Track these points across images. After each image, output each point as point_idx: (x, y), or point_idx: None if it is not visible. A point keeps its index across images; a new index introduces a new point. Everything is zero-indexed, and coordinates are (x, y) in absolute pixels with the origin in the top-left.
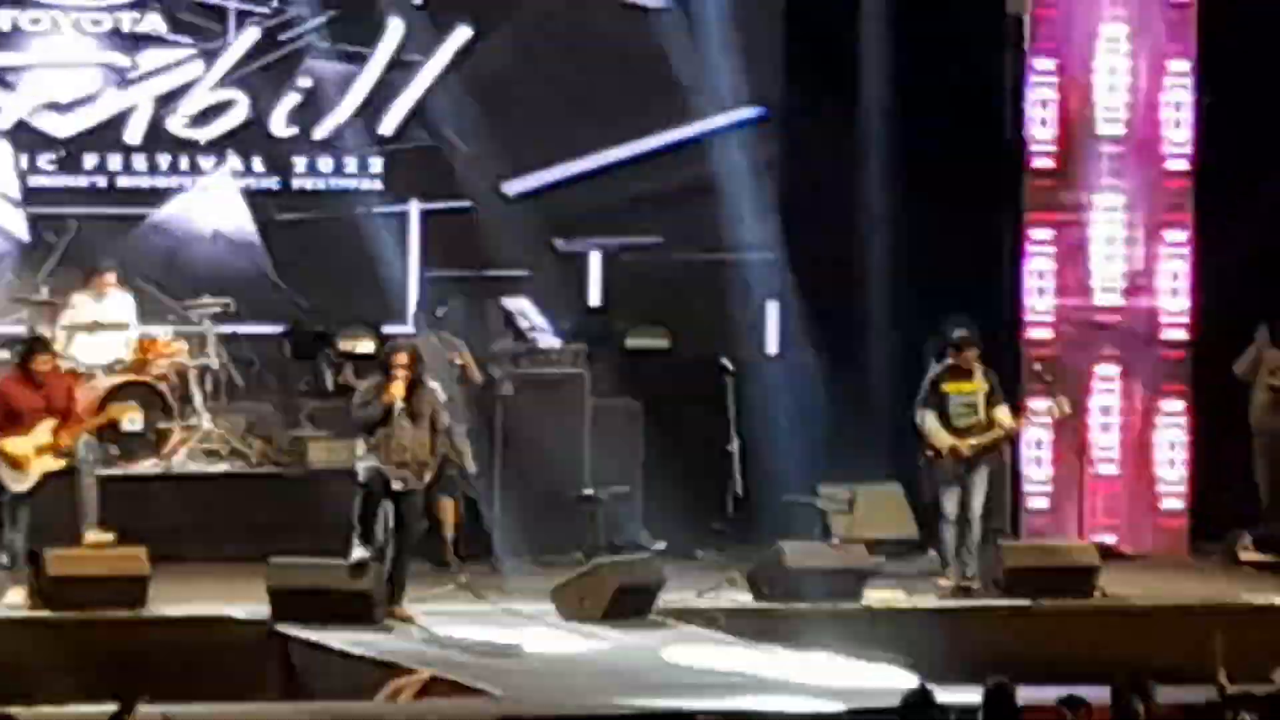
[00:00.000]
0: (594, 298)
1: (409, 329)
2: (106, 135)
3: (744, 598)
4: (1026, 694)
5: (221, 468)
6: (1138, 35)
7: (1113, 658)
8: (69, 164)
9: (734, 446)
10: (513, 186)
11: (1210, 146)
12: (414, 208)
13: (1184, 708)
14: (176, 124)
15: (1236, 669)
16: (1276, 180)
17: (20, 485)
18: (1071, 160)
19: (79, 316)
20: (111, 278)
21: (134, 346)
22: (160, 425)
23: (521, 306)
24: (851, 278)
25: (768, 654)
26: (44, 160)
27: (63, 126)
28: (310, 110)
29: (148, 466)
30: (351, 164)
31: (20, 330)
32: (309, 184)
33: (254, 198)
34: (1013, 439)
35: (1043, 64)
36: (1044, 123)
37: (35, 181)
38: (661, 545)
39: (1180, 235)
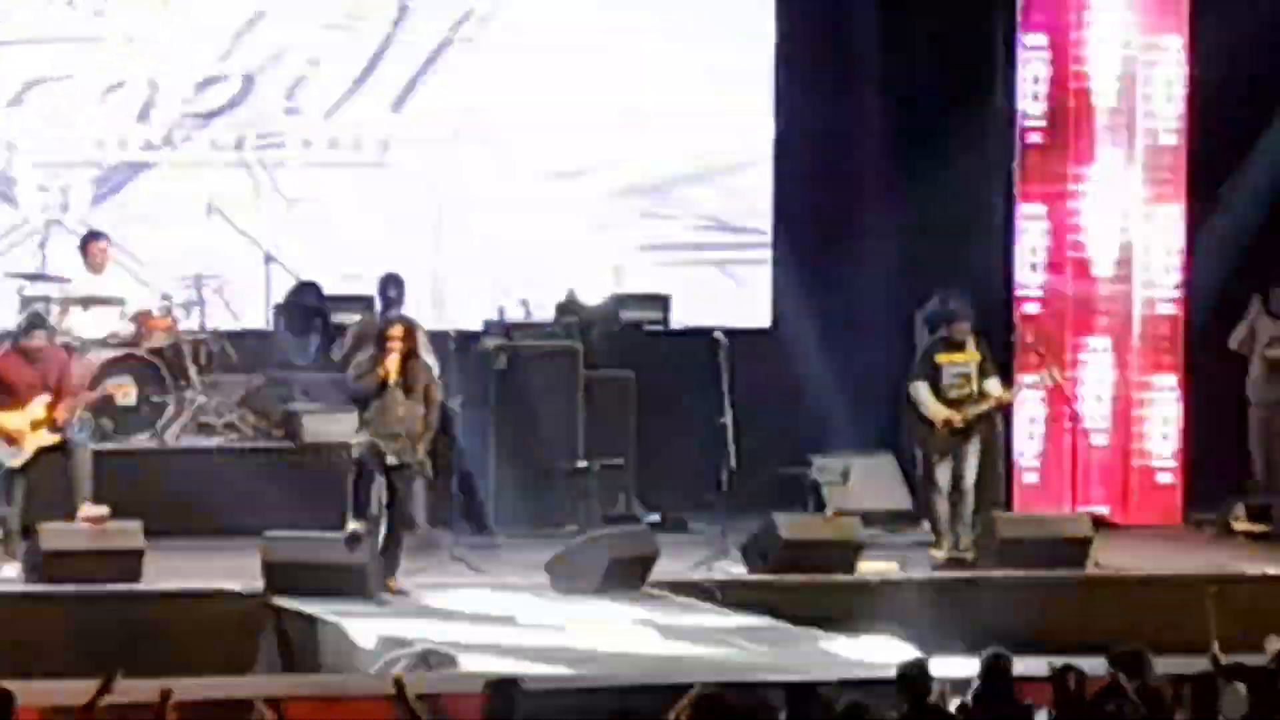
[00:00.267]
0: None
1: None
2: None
3: (738, 570)
4: (1019, 665)
5: (215, 441)
6: (1129, 10)
7: (1106, 629)
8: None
9: (727, 419)
10: None
11: (1202, 121)
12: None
13: (1177, 678)
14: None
15: (1230, 639)
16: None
17: (15, 460)
18: (1063, 134)
19: (75, 290)
20: (105, 246)
21: (129, 320)
22: (155, 399)
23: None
24: (844, 250)
25: (762, 626)
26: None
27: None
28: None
29: (142, 441)
30: (346, 139)
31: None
32: (304, 157)
33: (248, 170)
34: (1005, 410)
35: (1034, 39)
36: (1035, 97)
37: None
38: (655, 517)
39: (1173, 209)
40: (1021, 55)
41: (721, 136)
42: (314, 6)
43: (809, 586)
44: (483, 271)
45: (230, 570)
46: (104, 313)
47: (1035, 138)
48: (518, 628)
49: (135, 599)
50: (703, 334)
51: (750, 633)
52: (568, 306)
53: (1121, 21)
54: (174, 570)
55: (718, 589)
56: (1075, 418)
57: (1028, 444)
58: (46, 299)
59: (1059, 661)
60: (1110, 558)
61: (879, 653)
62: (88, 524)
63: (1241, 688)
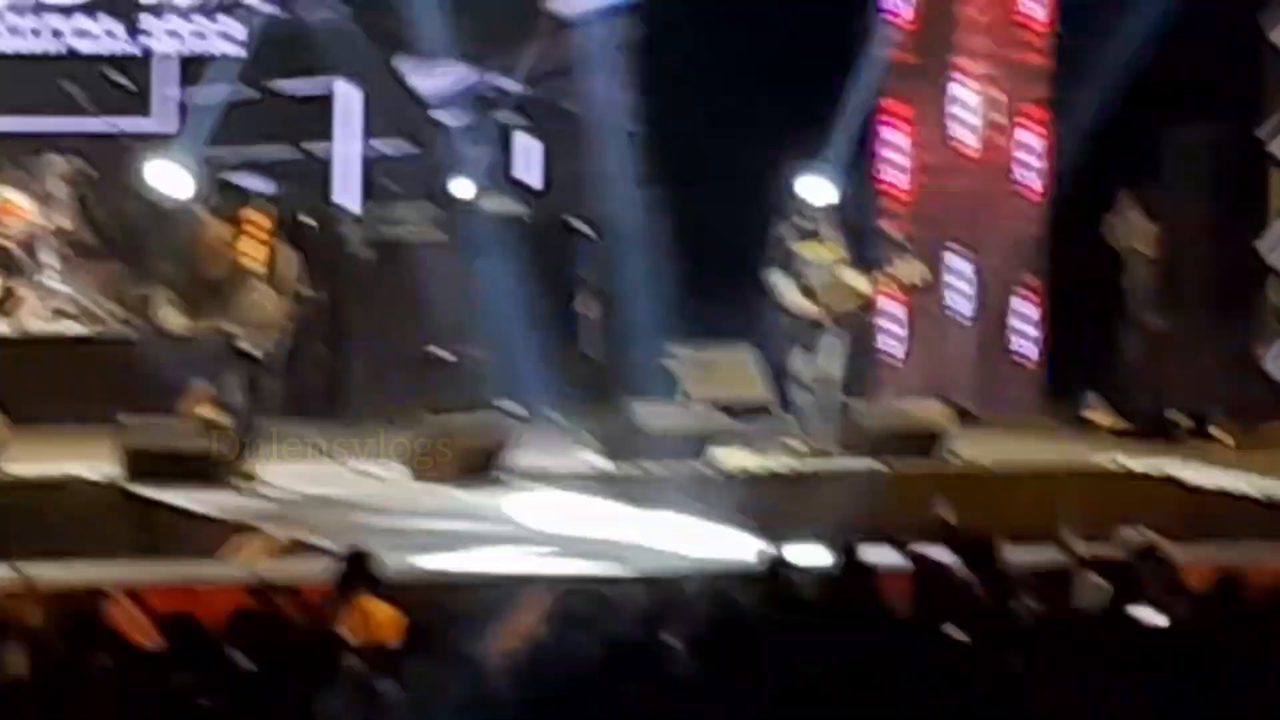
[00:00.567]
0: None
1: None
2: None
3: (594, 459)
4: (877, 555)
5: (73, 329)
6: None
7: (964, 520)
8: None
9: (586, 307)
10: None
11: (1068, 22)
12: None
13: (1031, 569)
14: None
15: (1084, 531)
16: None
17: None
18: (929, 38)
19: None
20: None
21: None
22: (9, 284)
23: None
24: (705, 138)
25: (618, 515)
26: None
27: None
28: None
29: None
30: (210, 28)
31: None
32: (161, 46)
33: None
34: (866, 303)
35: None
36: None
37: None
38: (515, 406)
39: (1038, 111)
40: None
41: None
42: None
43: (668, 476)
44: None
45: (87, 457)
46: None
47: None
48: (375, 515)
49: None
50: (564, 224)
51: (608, 522)
52: (432, 196)
53: None
54: (31, 457)
55: (574, 477)
56: (936, 313)
57: (888, 336)
58: None
59: (916, 550)
60: (968, 450)
61: (735, 544)
62: None
63: (1097, 578)
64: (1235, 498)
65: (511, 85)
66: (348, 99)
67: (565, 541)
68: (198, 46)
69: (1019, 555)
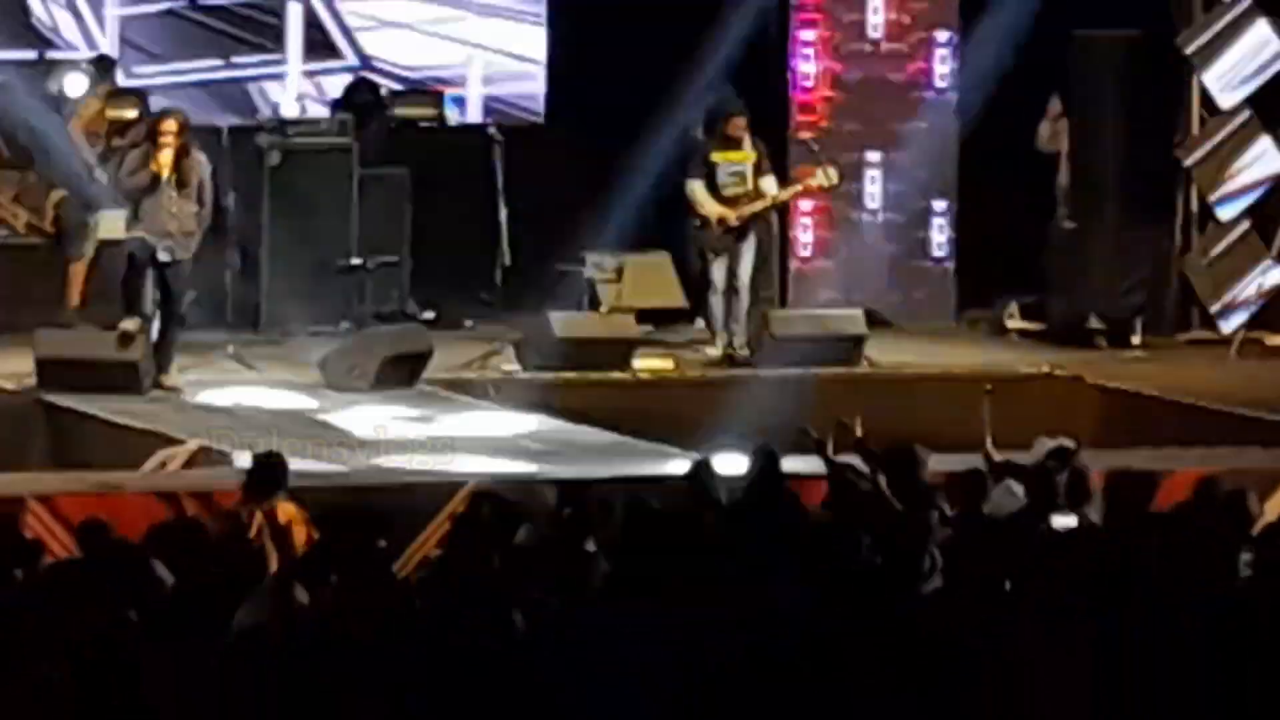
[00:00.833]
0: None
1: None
2: None
3: (513, 367)
4: (793, 464)
5: None
6: None
7: (882, 427)
8: None
9: (502, 216)
10: None
11: None
12: None
13: (949, 475)
14: None
15: (1003, 437)
16: None
17: None
18: None
19: None
20: None
21: None
22: None
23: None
24: (617, 46)
25: (534, 423)
26: None
27: None
28: None
29: None
30: None
31: None
32: None
33: None
34: (780, 208)
35: None
36: None
37: None
38: (430, 315)
39: (944, 19)
40: None
41: None
42: None
43: (584, 384)
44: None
45: (2, 366)
46: None
47: None
48: (291, 423)
49: None
50: (478, 130)
51: (525, 431)
52: (343, 103)
53: None
54: None
55: (492, 386)
56: (850, 219)
57: (803, 242)
58: None
59: (834, 458)
60: (884, 355)
61: (655, 453)
62: None
63: (1014, 484)
64: (1150, 401)
65: None
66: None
67: (481, 446)
68: None
69: (937, 462)
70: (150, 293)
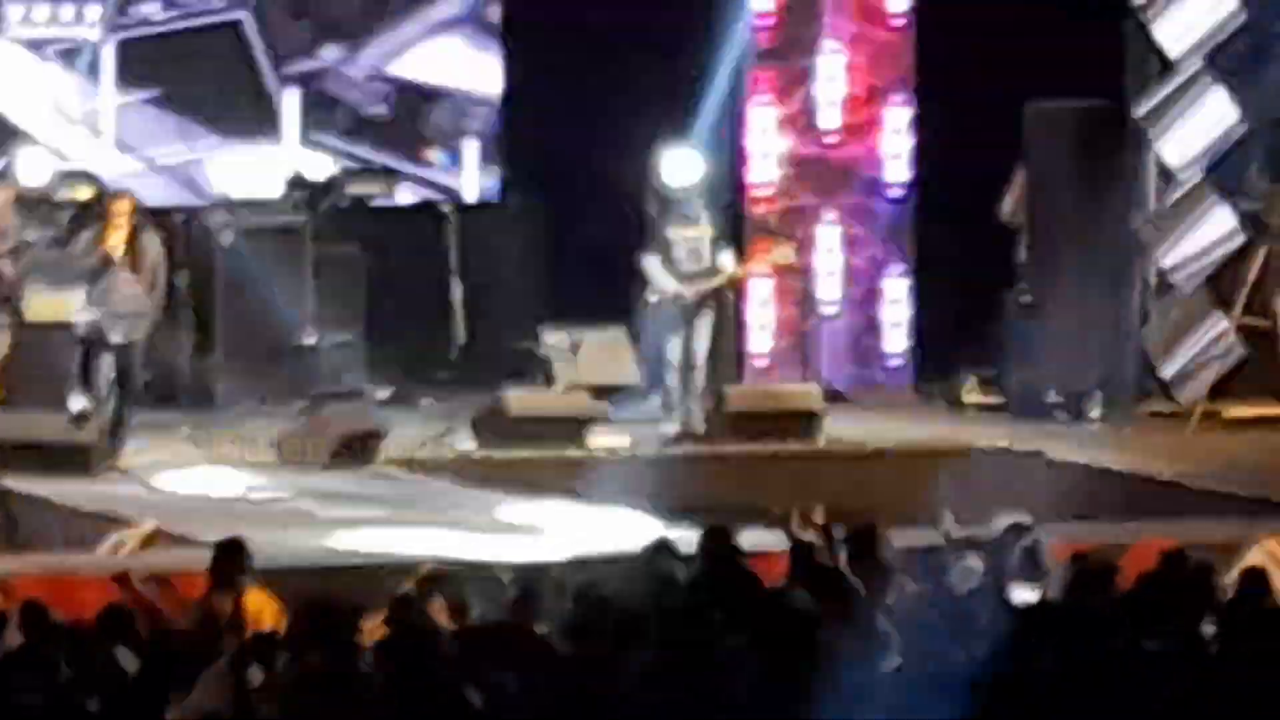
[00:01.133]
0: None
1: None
2: None
3: (468, 445)
4: (754, 538)
5: None
6: None
7: (839, 502)
8: None
9: (456, 293)
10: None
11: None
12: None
13: (908, 551)
14: None
15: (961, 512)
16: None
17: None
18: (793, 18)
19: None
20: None
21: None
22: None
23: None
24: (573, 119)
25: (490, 501)
26: None
27: None
28: None
29: None
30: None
31: None
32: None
33: None
34: (737, 285)
35: None
36: None
37: None
38: (385, 394)
39: (900, 93)
40: None
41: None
42: None
43: (539, 461)
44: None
45: None
46: None
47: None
48: (247, 505)
49: None
50: (431, 208)
51: (479, 509)
52: (295, 182)
53: None
54: None
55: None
56: (807, 294)
57: (759, 318)
58: None
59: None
60: (842, 430)
61: (612, 529)
62: None
63: (973, 559)
64: (1107, 475)
65: (376, 68)
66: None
67: (437, 528)
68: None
69: (896, 538)
70: (104, 374)
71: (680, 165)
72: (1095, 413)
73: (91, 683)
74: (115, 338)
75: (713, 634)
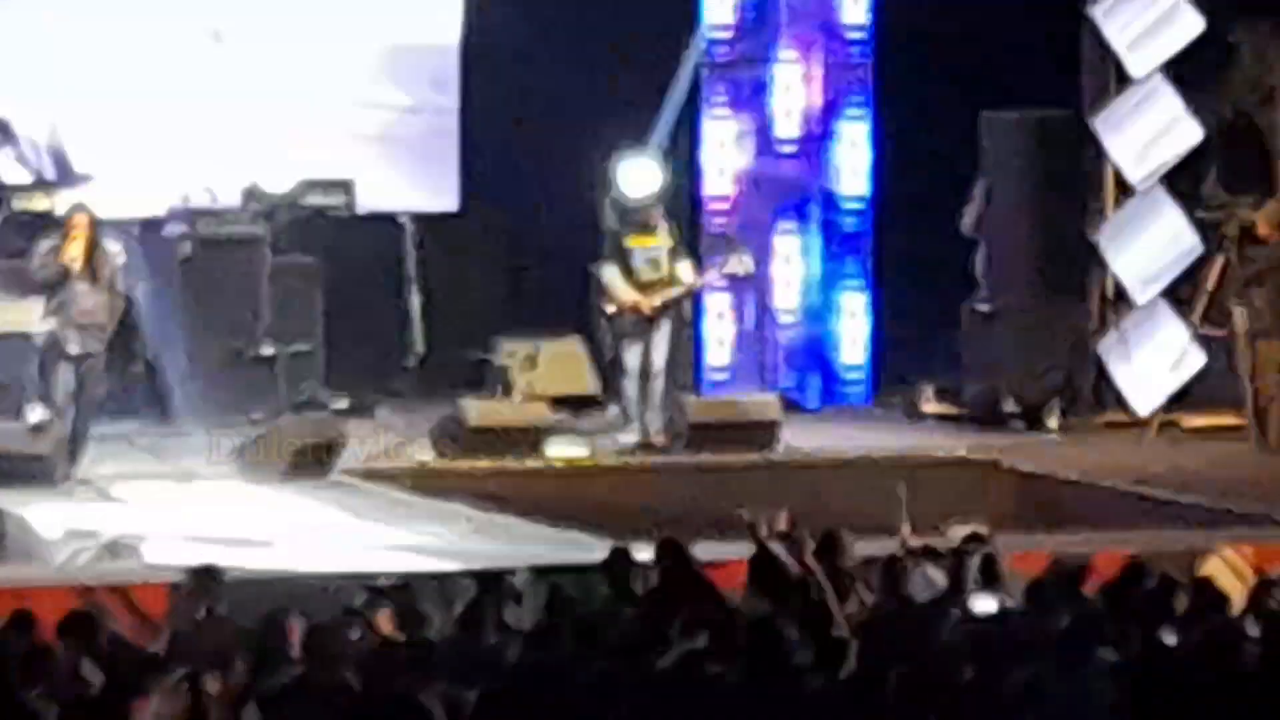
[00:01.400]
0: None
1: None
2: None
3: (426, 456)
4: (710, 549)
5: None
6: None
7: (798, 512)
8: None
9: (414, 304)
10: None
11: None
12: None
13: (866, 561)
14: None
15: (919, 521)
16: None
17: None
18: (750, 28)
19: None
20: None
21: None
22: None
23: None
24: (530, 129)
25: (449, 511)
26: None
27: None
28: None
29: None
30: None
31: None
32: None
33: None
34: (694, 295)
35: None
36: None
37: None
38: (343, 404)
39: (857, 104)
40: None
41: (410, 18)
42: None
43: (497, 471)
44: (167, 158)
45: None
46: None
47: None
48: (205, 517)
49: None
50: (388, 219)
51: (440, 520)
52: (252, 193)
53: None
54: None
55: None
56: (764, 305)
57: (717, 329)
58: None
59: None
60: (800, 441)
61: (569, 540)
62: None
63: (931, 569)
64: (1065, 485)
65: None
66: None
67: (396, 538)
68: None
69: (855, 548)
70: (62, 385)
71: (639, 176)
72: (1053, 422)
73: (46, 687)
74: (74, 349)
75: (670, 643)
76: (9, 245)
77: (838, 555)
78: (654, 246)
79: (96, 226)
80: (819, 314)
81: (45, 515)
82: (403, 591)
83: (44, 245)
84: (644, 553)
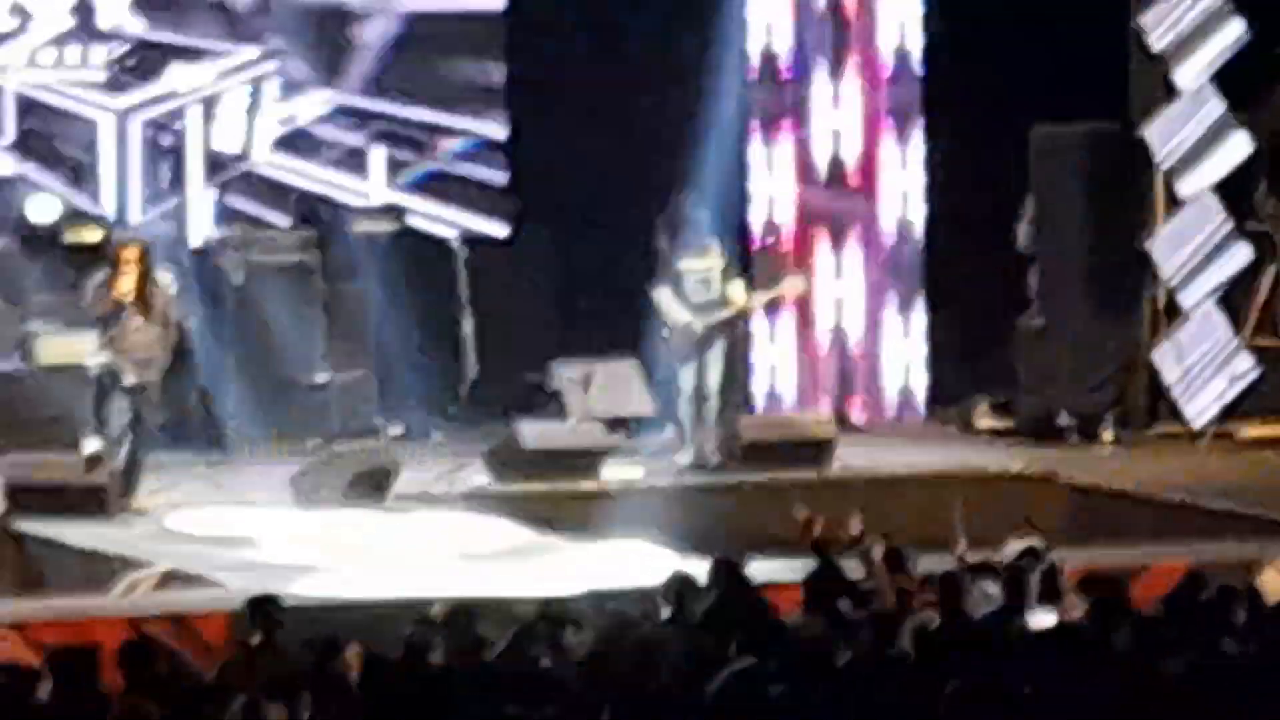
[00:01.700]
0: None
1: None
2: None
3: (482, 479)
4: (769, 568)
5: None
6: None
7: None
8: None
9: (467, 328)
10: None
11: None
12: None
13: (924, 577)
14: None
15: (975, 537)
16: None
17: None
18: (801, 50)
19: None
20: None
21: None
22: None
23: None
24: (581, 157)
25: (507, 535)
26: None
27: None
28: None
29: None
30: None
31: None
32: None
33: None
34: (747, 315)
35: None
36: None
37: None
38: (398, 430)
39: (907, 124)
40: None
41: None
42: None
43: (553, 495)
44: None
45: None
46: None
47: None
48: (262, 545)
49: None
50: (440, 243)
51: (499, 543)
52: (304, 219)
53: None
54: None
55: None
56: (817, 324)
57: (769, 347)
58: None
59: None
60: (854, 458)
61: (630, 560)
62: None
63: (989, 584)
64: (1121, 497)
65: (376, 105)
66: None
67: (455, 564)
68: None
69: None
70: (117, 416)
71: (692, 198)
72: (1108, 435)
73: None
74: (128, 380)
75: (727, 664)
76: (62, 278)
77: (903, 568)
78: (706, 267)
79: (148, 257)
80: (873, 331)
81: (102, 547)
82: (460, 616)
83: (96, 279)
84: (700, 573)
